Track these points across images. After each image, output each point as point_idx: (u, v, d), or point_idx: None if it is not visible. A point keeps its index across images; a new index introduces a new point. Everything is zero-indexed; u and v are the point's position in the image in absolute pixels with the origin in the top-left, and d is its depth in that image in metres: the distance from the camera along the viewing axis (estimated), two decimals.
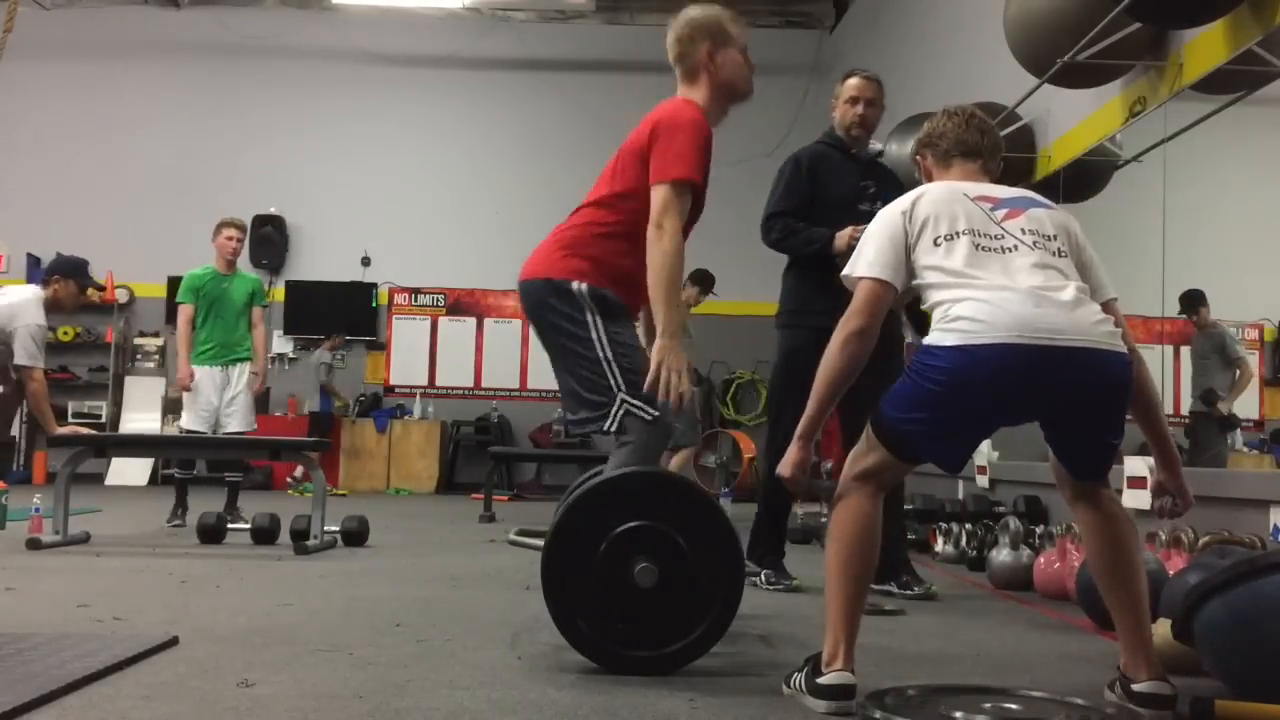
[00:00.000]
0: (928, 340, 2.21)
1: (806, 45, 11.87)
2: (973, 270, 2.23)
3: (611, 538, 2.47)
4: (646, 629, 2.49)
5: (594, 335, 2.83)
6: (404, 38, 11.72)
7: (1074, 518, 2.36)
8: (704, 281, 7.44)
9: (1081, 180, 5.66)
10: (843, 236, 3.88)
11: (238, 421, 6.29)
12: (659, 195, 2.81)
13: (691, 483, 2.71)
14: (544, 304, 2.90)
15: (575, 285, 2.86)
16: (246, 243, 11.13)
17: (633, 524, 2.48)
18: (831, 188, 4.07)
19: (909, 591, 3.93)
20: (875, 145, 4.30)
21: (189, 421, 6.27)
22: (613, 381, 2.78)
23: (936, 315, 2.23)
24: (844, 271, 2.38)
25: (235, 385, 6.32)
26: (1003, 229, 2.30)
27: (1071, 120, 5.63)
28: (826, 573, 2.31)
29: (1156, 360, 5.12)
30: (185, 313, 6.34)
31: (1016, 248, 2.26)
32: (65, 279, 5.86)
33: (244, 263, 11.26)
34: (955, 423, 2.20)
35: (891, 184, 4.08)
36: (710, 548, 2.51)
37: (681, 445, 7.05)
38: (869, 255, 2.34)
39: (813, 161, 4.16)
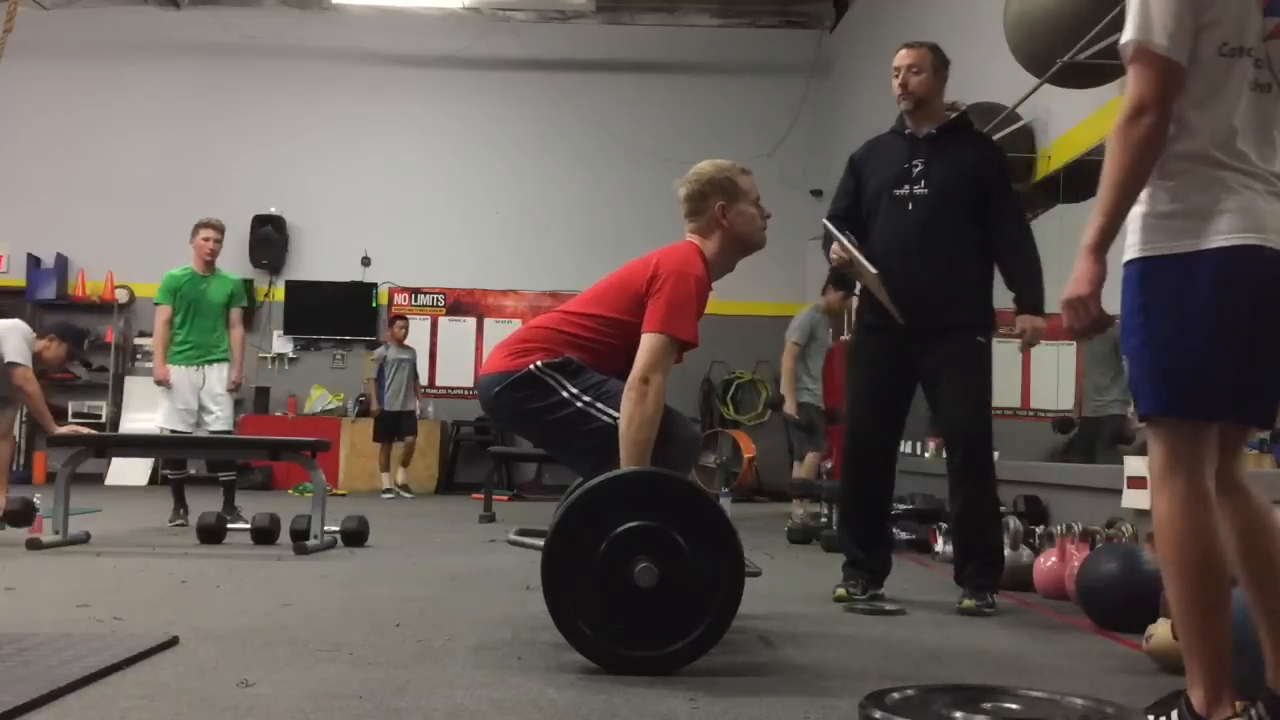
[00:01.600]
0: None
1: (806, 45, 11.87)
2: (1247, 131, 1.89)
3: (611, 537, 2.48)
4: (646, 629, 2.49)
5: (565, 394, 2.87)
6: (404, 38, 11.71)
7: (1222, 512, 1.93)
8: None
9: (1081, 180, 5.65)
10: (834, 253, 3.72)
11: (221, 421, 6.30)
12: (651, 346, 2.82)
13: (692, 483, 2.71)
14: (507, 398, 2.92)
15: (531, 368, 2.88)
16: (246, 243, 11.29)
17: (633, 524, 2.48)
18: (873, 179, 3.85)
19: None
20: (958, 106, 4.03)
21: (166, 420, 6.29)
22: (605, 418, 2.81)
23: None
24: (1121, 40, 1.96)
25: (214, 385, 6.32)
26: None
27: (1071, 120, 5.63)
28: (1172, 607, 1.92)
29: None
30: (162, 314, 6.40)
31: None
32: (61, 341, 5.90)
33: (244, 263, 11.42)
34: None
35: (955, 153, 3.76)
36: (710, 548, 2.51)
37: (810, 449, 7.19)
38: (1154, 11, 1.86)
39: (865, 153, 3.96)
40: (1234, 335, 1.84)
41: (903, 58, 3.80)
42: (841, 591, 3.75)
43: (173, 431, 6.24)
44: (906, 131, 3.86)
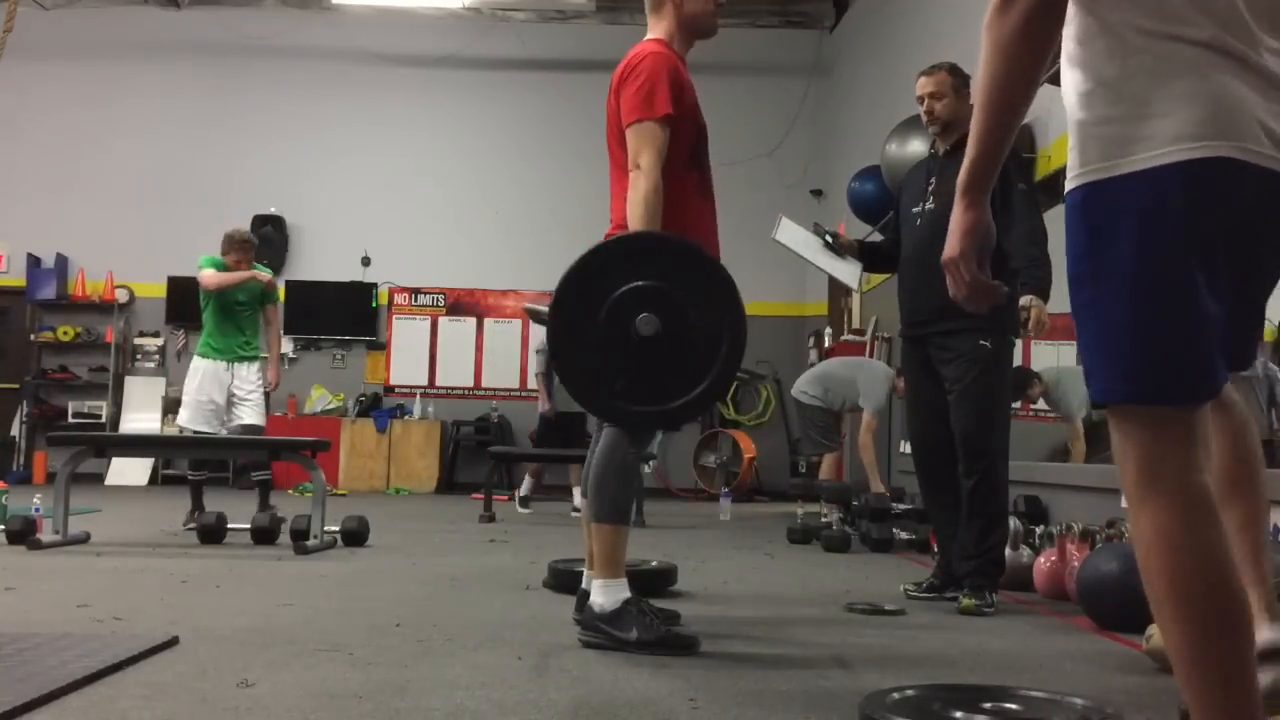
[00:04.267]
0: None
1: (806, 45, 11.87)
2: None
3: (616, 295, 2.47)
4: (651, 385, 2.50)
5: None
6: (404, 38, 11.71)
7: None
8: None
9: None
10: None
11: (250, 414, 6.11)
12: (631, 136, 2.86)
13: (697, 246, 2.69)
14: None
15: None
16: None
17: (637, 283, 2.47)
18: (903, 199, 4.07)
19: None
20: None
21: (189, 420, 6.10)
22: None
23: None
24: None
25: (243, 381, 6.13)
26: None
27: None
28: (1173, 661, 1.40)
29: None
30: (209, 271, 6.09)
31: None
32: None
33: None
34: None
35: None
36: (713, 307, 2.50)
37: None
38: None
39: (905, 177, 4.17)
40: (1213, 284, 1.38)
41: (923, 85, 3.95)
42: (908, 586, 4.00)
43: (195, 432, 6.06)
44: (931, 150, 4.05)
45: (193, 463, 6.23)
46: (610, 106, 3.02)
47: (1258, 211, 1.38)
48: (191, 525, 5.79)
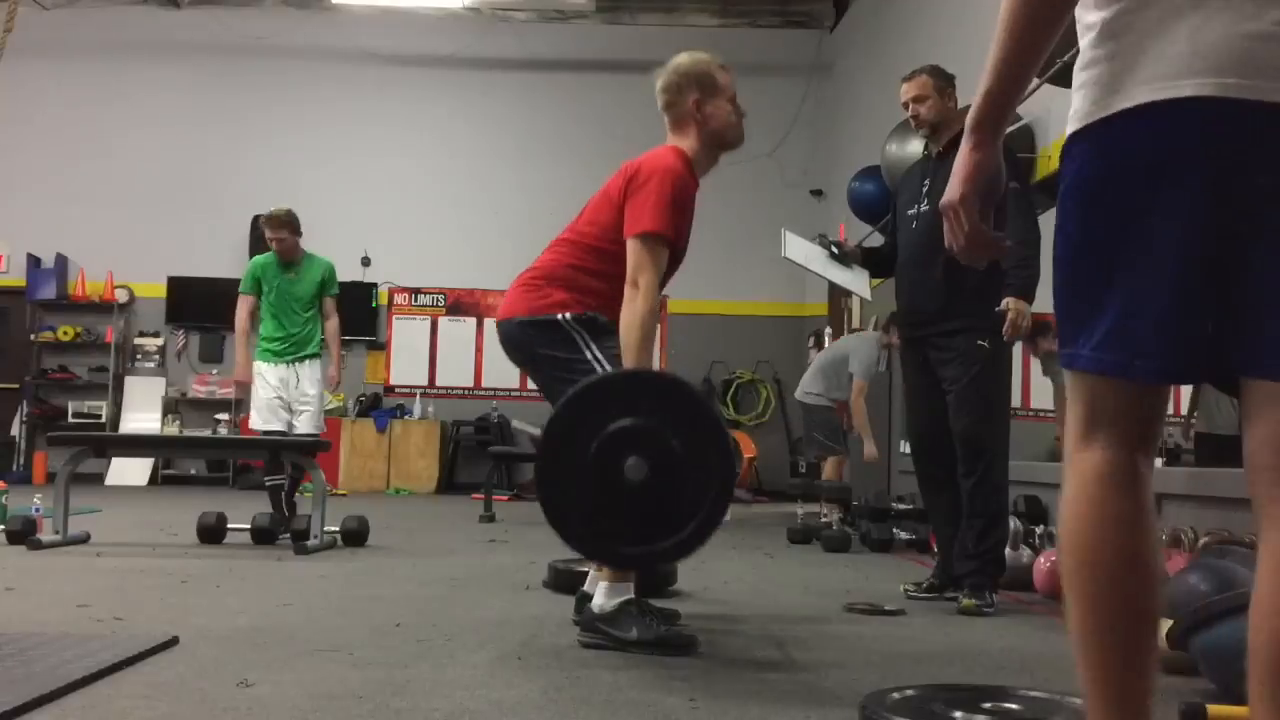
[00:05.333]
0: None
1: (806, 45, 11.87)
2: None
3: (604, 436, 2.46)
4: (637, 526, 2.48)
5: (588, 354, 2.85)
6: (404, 38, 11.71)
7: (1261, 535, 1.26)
8: None
9: None
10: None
11: (305, 423, 5.74)
12: (634, 250, 2.82)
13: (684, 381, 2.69)
14: (529, 342, 2.92)
15: (559, 317, 2.88)
16: (246, 243, 11.28)
17: (625, 422, 2.47)
18: (899, 202, 4.08)
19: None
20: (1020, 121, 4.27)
21: (258, 422, 5.80)
22: None
23: None
24: None
25: (306, 385, 5.78)
26: None
27: None
28: (1072, 637, 1.35)
29: None
30: (242, 304, 5.81)
31: None
32: None
33: (244, 262, 11.37)
34: None
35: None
36: (702, 447, 2.50)
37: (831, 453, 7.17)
38: None
39: (900, 179, 4.18)
40: (1192, 250, 1.22)
41: (906, 91, 3.95)
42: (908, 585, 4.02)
43: (267, 432, 5.76)
44: (925, 152, 4.05)
45: (270, 467, 5.77)
46: (610, 189, 2.97)
47: (1258, 157, 1.19)
48: (285, 532, 5.45)
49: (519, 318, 2.95)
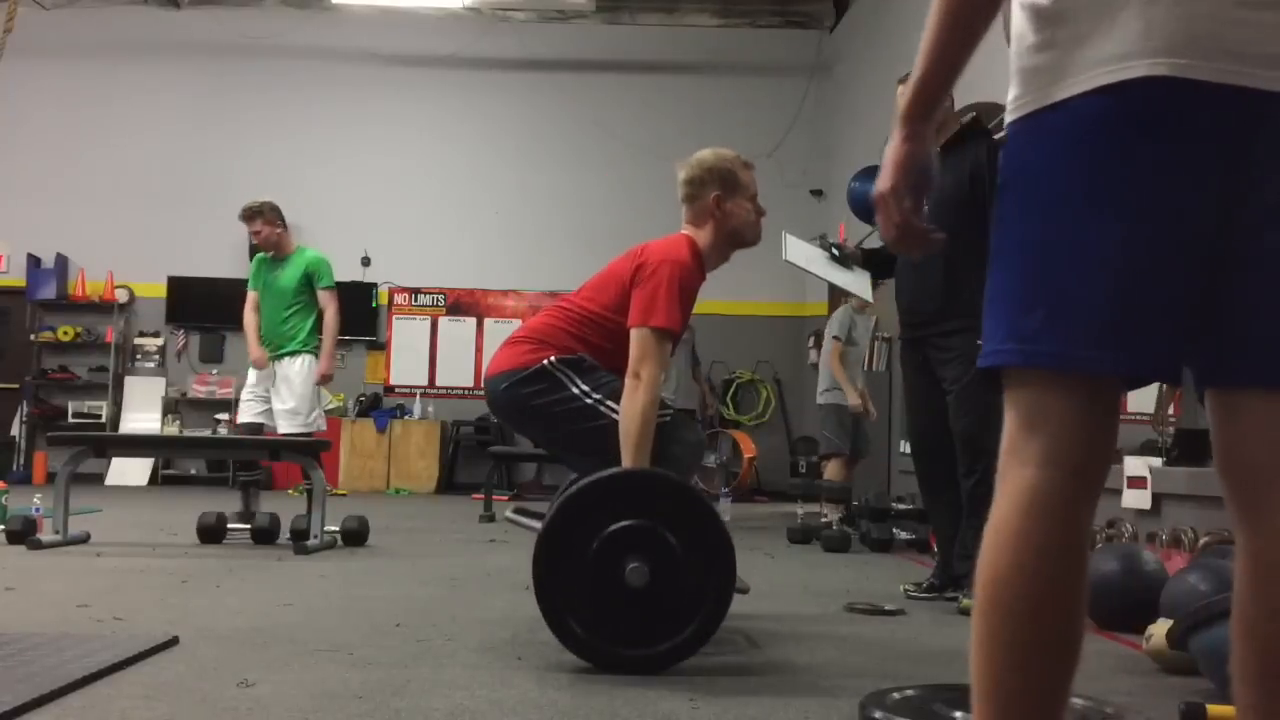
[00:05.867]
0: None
1: (806, 45, 11.86)
2: None
3: (603, 537, 2.47)
4: (638, 628, 2.49)
5: (575, 390, 2.88)
6: (404, 38, 11.71)
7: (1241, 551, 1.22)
8: None
9: None
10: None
11: (285, 422, 5.64)
12: (637, 342, 2.83)
13: (683, 482, 2.71)
14: (516, 393, 2.92)
15: (545, 362, 2.90)
16: (246, 243, 11.20)
17: (625, 523, 2.48)
18: None
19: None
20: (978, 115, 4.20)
21: (240, 414, 5.78)
22: (612, 415, 2.81)
23: None
24: None
25: (282, 383, 5.68)
26: None
27: None
28: (972, 672, 1.21)
29: None
30: (248, 300, 5.84)
31: None
32: None
33: (244, 262, 11.35)
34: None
35: (954, 163, 3.77)
36: (702, 546, 2.51)
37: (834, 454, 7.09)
38: None
39: None
40: (1157, 237, 1.14)
41: (904, 93, 3.90)
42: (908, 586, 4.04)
43: (244, 424, 5.75)
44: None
45: (239, 463, 5.78)
46: (618, 271, 2.97)
47: (1218, 141, 1.13)
48: (243, 527, 5.50)
49: (504, 374, 2.95)
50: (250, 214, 5.74)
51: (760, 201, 3.12)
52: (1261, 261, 1.16)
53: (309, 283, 5.80)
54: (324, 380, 5.81)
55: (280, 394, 5.70)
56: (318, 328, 5.83)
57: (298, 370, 5.70)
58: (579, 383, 2.87)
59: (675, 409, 6.93)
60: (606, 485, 2.58)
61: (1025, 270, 1.20)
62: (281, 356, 5.71)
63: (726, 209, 3.03)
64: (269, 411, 5.72)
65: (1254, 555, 1.18)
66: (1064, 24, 1.19)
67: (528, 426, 3.07)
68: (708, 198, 3.02)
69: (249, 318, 5.85)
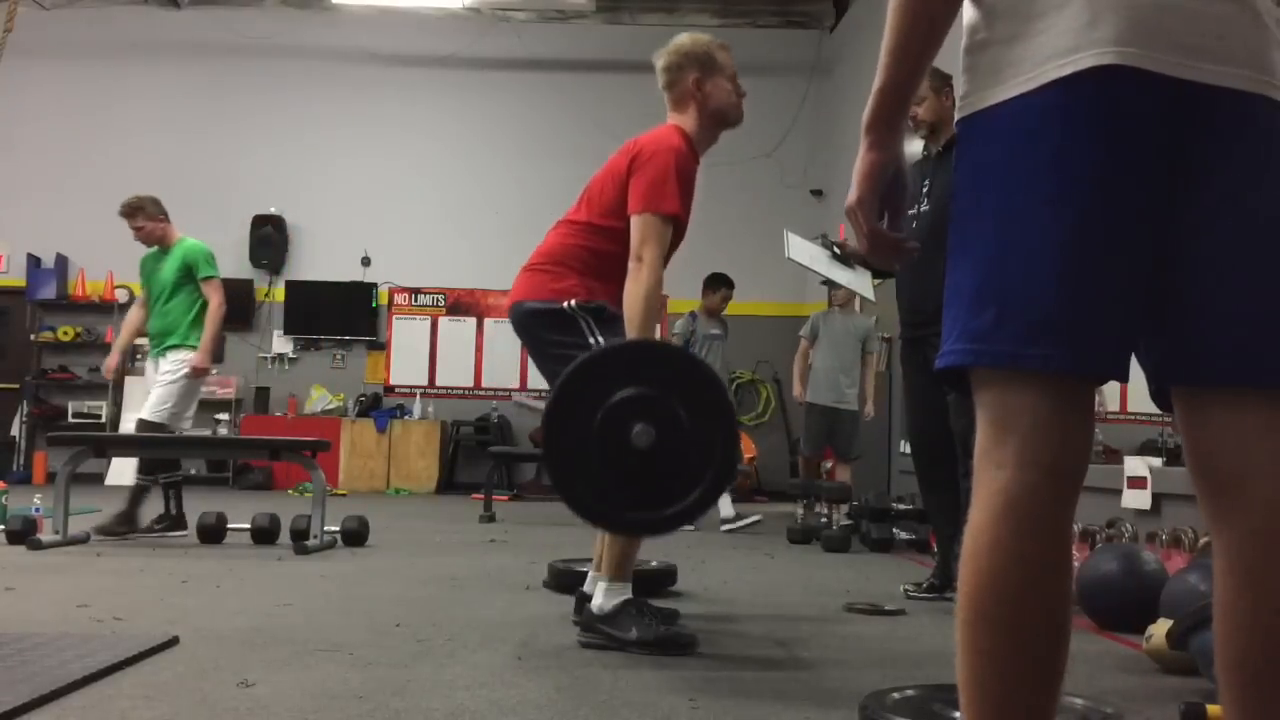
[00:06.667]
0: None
1: (806, 45, 11.87)
2: None
3: (610, 404, 2.47)
4: (644, 492, 2.50)
5: (592, 341, 2.88)
6: (404, 38, 11.71)
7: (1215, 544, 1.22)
8: (729, 284, 7.40)
9: None
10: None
11: (146, 408, 5.46)
12: (638, 226, 2.84)
13: (685, 351, 2.72)
14: (536, 332, 2.95)
15: (566, 304, 2.89)
16: (246, 243, 11.28)
17: (630, 391, 2.49)
18: None
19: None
20: None
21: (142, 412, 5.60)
22: None
23: None
24: None
25: (156, 374, 5.50)
26: None
27: None
28: (959, 679, 1.20)
29: None
30: (137, 299, 5.78)
31: None
32: None
33: (244, 263, 11.41)
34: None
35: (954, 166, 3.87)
36: (707, 414, 2.52)
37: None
38: None
39: None
40: (1083, 229, 1.13)
41: None
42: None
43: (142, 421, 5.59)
44: (925, 153, 4.06)
45: (151, 464, 5.60)
46: (614, 168, 2.99)
47: (1162, 134, 1.13)
48: (158, 527, 5.49)
49: (527, 304, 2.97)
50: (131, 210, 5.56)
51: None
52: (1211, 257, 1.15)
53: (189, 273, 5.57)
54: (195, 373, 5.51)
55: (152, 383, 5.55)
56: (202, 320, 5.58)
57: (169, 363, 5.49)
58: (597, 334, 2.88)
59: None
60: (612, 356, 2.60)
61: (976, 270, 1.20)
62: (165, 351, 5.53)
63: (707, 90, 3.03)
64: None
65: (1232, 557, 1.17)
66: (1011, 19, 1.18)
67: (540, 363, 3.07)
68: (687, 81, 3.04)
69: (130, 316, 5.77)
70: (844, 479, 7.00)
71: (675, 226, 2.91)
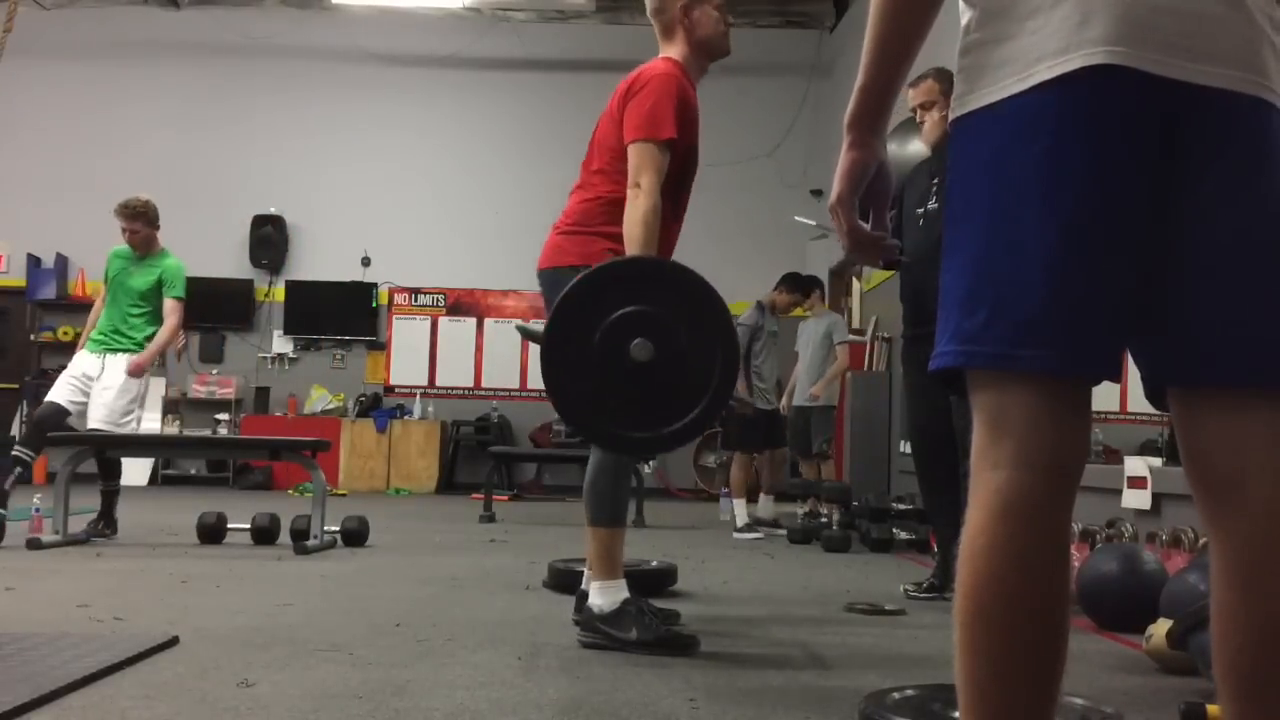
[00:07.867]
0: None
1: (806, 45, 11.87)
2: None
3: (609, 321, 2.46)
4: (644, 410, 2.50)
5: None
6: (404, 38, 11.71)
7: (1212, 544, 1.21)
8: (800, 287, 7.33)
9: None
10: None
11: (96, 414, 5.36)
12: (633, 154, 2.86)
13: (687, 268, 2.69)
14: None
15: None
16: (246, 243, 11.29)
17: (630, 308, 2.47)
18: (908, 202, 4.08)
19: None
20: None
21: (50, 393, 5.48)
22: None
23: None
24: None
25: (107, 378, 5.42)
26: None
27: None
28: (958, 683, 1.19)
29: None
30: (98, 295, 5.74)
31: None
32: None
33: (244, 263, 11.42)
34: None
35: None
36: (706, 330, 2.51)
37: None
38: None
39: (905, 179, 4.18)
40: (1109, 233, 1.12)
41: (913, 97, 3.99)
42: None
43: (50, 403, 5.45)
44: (932, 150, 4.07)
45: (101, 469, 5.53)
46: (610, 108, 3.02)
47: (1151, 133, 1.12)
48: (102, 534, 5.46)
49: (555, 268, 2.92)
50: (135, 213, 5.60)
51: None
52: (1204, 257, 1.15)
53: (159, 289, 5.62)
54: (134, 369, 5.45)
55: (101, 387, 5.41)
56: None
57: (123, 368, 5.44)
58: None
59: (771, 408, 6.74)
60: (610, 273, 2.59)
61: (968, 270, 1.19)
62: (115, 351, 5.48)
63: (694, 17, 3.05)
64: (85, 404, 5.42)
65: (1229, 558, 1.17)
66: (1003, 19, 1.18)
67: None
68: (674, 9, 3.06)
69: (92, 316, 5.70)
70: (811, 477, 7.08)
71: (683, 153, 2.91)
